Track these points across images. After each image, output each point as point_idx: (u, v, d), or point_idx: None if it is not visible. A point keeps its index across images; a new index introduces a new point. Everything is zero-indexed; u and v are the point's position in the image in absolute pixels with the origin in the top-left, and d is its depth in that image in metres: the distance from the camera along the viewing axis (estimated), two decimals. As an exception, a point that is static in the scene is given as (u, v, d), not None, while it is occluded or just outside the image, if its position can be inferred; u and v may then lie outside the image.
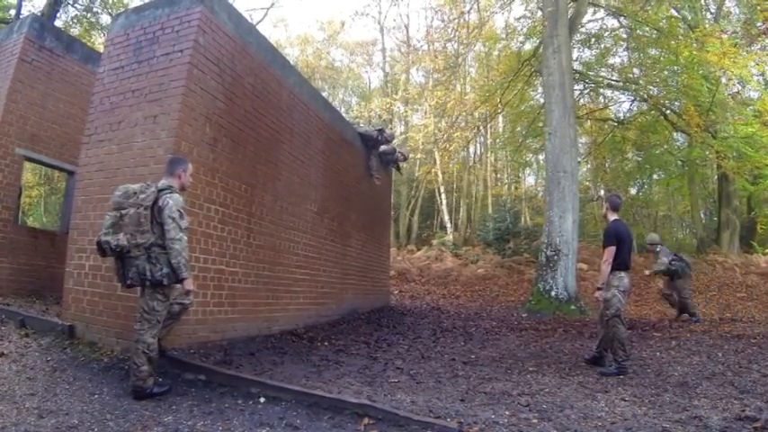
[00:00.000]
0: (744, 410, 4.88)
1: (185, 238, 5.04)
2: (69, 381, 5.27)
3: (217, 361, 6.21)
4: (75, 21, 21.74)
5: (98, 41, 21.90)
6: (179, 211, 4.99)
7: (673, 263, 11.93)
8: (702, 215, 28.66)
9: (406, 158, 17.54)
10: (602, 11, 21.19)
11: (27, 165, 10.42)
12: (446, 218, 31.20)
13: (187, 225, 5.12)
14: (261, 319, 8.39)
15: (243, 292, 7.85)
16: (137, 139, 6.81)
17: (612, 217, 7.55)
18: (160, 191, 5.02)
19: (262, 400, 4.99)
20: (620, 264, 7.17)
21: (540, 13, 18.39)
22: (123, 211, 4.91)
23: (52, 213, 27.05)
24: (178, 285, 5.13)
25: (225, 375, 5.53)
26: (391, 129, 25.47)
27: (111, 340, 6.26)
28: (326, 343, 8.68)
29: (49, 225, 24.40)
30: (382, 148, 14.72)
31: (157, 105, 6.76)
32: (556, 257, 14.13)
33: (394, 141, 15.35)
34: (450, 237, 29.33)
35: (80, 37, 18.60)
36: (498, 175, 37.65)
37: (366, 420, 4.42)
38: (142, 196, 4.94)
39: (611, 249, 7.12)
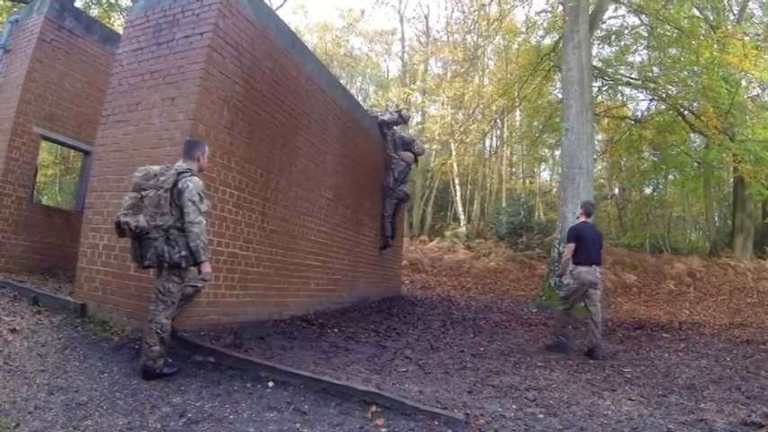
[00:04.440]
0: (750, 416, 4.88)
1: (204, 221, 5.06)
2: (80, 358, 5.32)
3: (227, 344, 6.24)
4: (94, 1, 21.77)
5: (117, 23, 21.94)
6: (199, 194, 5.01)
7: None
8: (717, 218, 28.36)
9: (421, 153, 17.50)
10: (623, 8, 20.97)
11: (43, 144, 10.47)
12: (460, 210, 31.03)
13: (206, 208, 5.14)
14: (272, 304, 8.42)
15: (255, 277, 7.87)
16: (154, 120, 6.83)
17: (581, 219, 8.77)
18: (180, 173, 5.03)
19: (270, 384, 5.01)
20: (581, 259, 8.26)
21: (560, 7, 18.22)
22: (144, 193, 4.94)
23: (67, 192, 27.20)
24: (194, 268, 5.16)
25: (234, 358, 5.56)
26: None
27: (123, 320, 6.30)
28: (336, 330, 8.72)
29: (64, 204, 24.54)
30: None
31: (176, 88, 6.77)
32: (568, 254, 14.09)
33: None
34: (464, 229, 29.18)
35: (99, 18, 18.62)
36: (513, 169, 37.48)
37: (373, 408, 4.43)
38: (162, 178, 4.97)
39: (571, 246, 8.32)
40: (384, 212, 14.32)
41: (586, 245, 8.26)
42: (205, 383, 4.95)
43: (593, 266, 8.26)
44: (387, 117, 14.31)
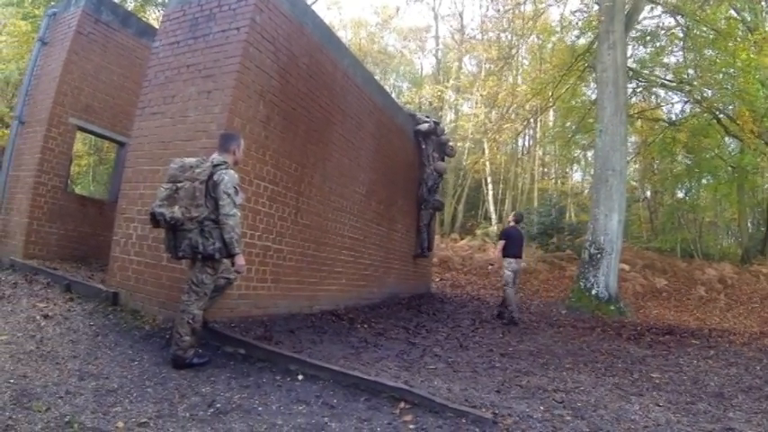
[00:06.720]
0: (779, 427, 4.81)
1: (239, 214, 5.10)
2: (111, 346, 5.40)
3: (257, 336, 6.28)
4: (130, -5, 21.96)
5: (152, 17, 22.14)
6: (234, 187, 5.04)
7: None
8: (750, 225, 27.79)
9: (453, 155, 17.64)
10: (659, 8, 20.62)
11: (78, 135, 10.61)
12: (491, 209, 30.80)
13: (241, 201, 5.19)
14: (303, 298, 8.47)
15: (287, 270, 7.93)
16: (190, 113, 6.90)
17: (511, 224, 12.00)
18: (215, 166, 5.06)
19: (300, 377, 5.04)
20: (509, 254, 11.32)
21: (596, 7, 18.03)
22: (179, 185, 4.97)
23: (100, 183, 27.48)
24: (227, 260, 5.20)
25: (264, 351, 5.61)
26: (440, 116, 25.36)
27: (154, 309, 6.39)
28: (366, 325, 8.74)
29: (97, 194, 24.82)
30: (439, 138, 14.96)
31: (212, 81, 6.83)
32: (599, 256, 13.96)
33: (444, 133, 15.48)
34: (495, 228, 28.93)
35: (135, 11, 18.80)
36: (545, 170, 36.99)
37: (402, 404, 4.45)
38: (198, 170, 4.99)
39: (501, 243, 11.51)
40: (420, 222, 14.55)
41: (513, 243, 11.39)
42: (234, 375, 5.00)
43: (518, 258, 11.41)
44: (424, 127, 14.32)
